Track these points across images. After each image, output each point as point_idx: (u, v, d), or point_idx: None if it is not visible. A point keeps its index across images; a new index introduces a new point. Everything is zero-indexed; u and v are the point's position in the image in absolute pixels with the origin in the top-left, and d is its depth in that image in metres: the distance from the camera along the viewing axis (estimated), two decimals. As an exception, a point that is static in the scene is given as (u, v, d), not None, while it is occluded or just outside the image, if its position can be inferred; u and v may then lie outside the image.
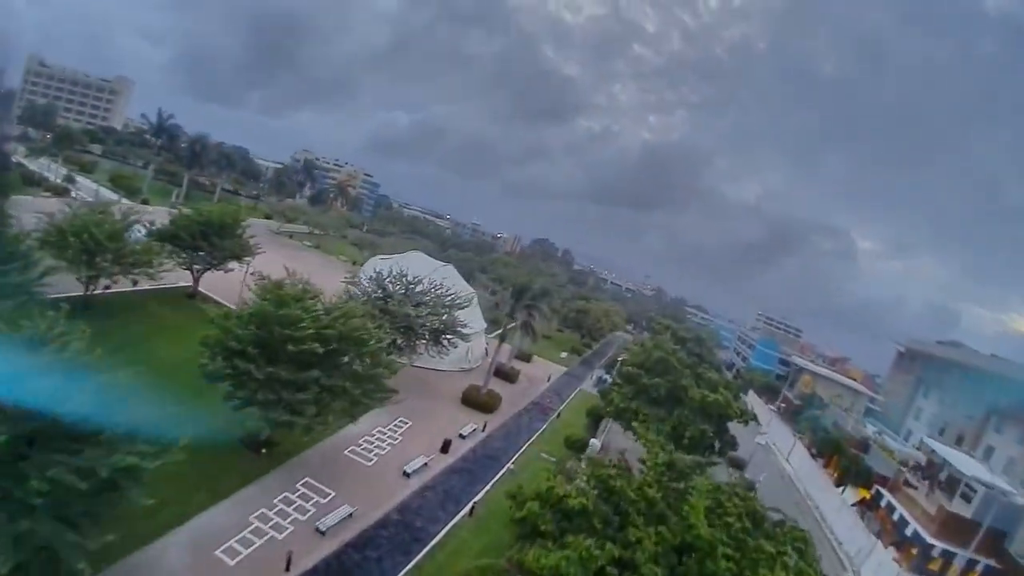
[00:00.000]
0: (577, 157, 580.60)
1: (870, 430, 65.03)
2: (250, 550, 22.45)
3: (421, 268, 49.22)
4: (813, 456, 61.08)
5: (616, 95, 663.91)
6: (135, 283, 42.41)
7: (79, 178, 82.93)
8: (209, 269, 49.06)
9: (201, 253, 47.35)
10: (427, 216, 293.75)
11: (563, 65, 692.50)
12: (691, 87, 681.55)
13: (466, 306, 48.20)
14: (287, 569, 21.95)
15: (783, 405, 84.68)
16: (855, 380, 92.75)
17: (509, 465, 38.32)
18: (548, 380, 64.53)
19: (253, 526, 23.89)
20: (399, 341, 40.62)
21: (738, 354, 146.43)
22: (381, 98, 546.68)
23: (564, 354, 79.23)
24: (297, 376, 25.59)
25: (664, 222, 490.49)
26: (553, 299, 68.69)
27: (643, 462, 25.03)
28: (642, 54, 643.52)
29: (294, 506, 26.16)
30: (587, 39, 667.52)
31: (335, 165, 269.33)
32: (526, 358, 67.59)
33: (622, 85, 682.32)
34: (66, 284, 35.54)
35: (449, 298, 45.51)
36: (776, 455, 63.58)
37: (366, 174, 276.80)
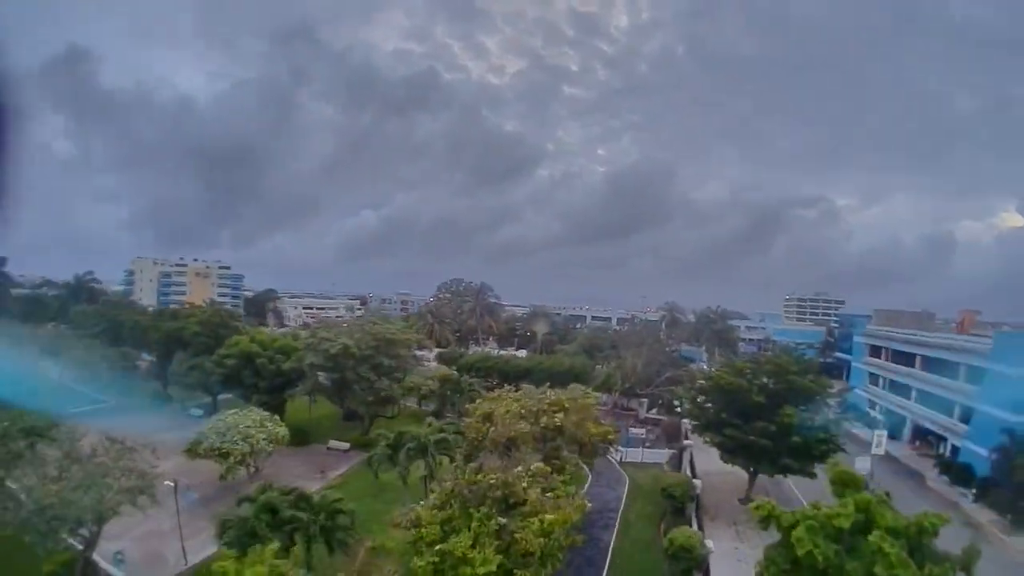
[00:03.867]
0: (545, 207, 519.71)
1: None
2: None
3: None
4: None
5: (561, 139, 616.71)
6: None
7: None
8: None
9: None
10: (324, 299, 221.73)
11: (505, 124, 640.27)
12: (629, 109, 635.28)
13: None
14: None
15: None
16: None
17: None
18: None
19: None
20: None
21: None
22: (345, 204, 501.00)
23: None
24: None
25: (646, 244, 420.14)
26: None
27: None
28: (573, 93, 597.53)
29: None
30: (519, 95, 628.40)
31: (177, 267, 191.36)
32: None
33: (564, 128, 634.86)
34: None
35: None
36: None
37: (222, 266, 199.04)
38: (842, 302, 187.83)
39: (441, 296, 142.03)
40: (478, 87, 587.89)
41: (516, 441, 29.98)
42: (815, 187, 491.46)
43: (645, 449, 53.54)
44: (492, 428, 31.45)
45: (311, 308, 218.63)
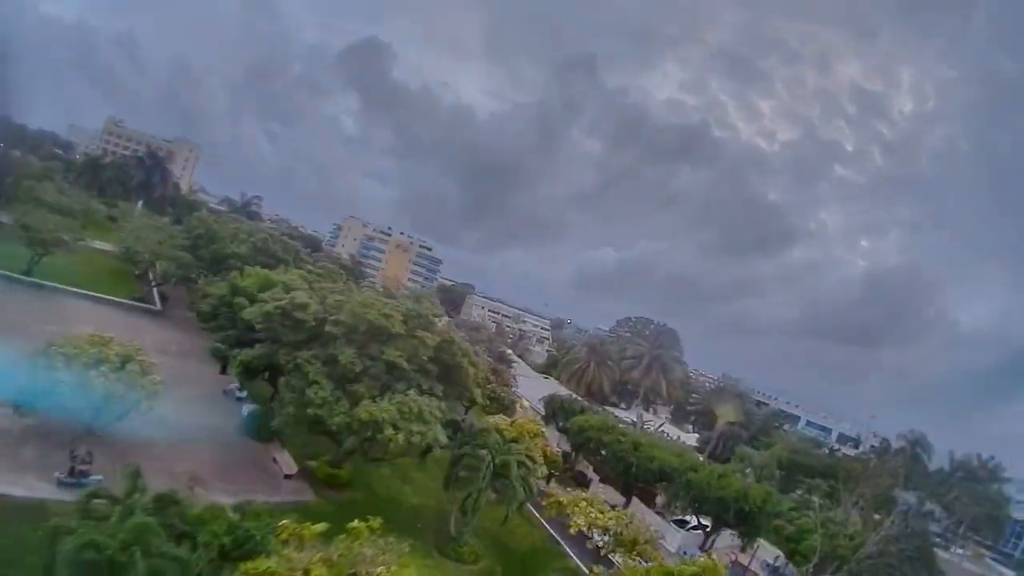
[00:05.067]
0: (788, 290, 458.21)
1: None
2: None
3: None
4: None
5: (824, 221, 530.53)
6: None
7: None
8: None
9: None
10: (518, 310, 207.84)
11: (767, 193, 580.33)
12: (901, 203, 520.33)
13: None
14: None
15: None
16: None
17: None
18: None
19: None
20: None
21: None
22: (588, 237, 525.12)
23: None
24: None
25: (891, 358, 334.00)
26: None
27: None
28: (844, 175, 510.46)
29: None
30: (786, 165, 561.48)
31: (382, 234, 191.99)
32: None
33: (828, 210, 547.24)
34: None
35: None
36: None
37: (423, 245, 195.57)
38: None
39: (620, 334, 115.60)
40: (746, 149, 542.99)
41: None
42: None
43: None
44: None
45: (497, 312, 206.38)
